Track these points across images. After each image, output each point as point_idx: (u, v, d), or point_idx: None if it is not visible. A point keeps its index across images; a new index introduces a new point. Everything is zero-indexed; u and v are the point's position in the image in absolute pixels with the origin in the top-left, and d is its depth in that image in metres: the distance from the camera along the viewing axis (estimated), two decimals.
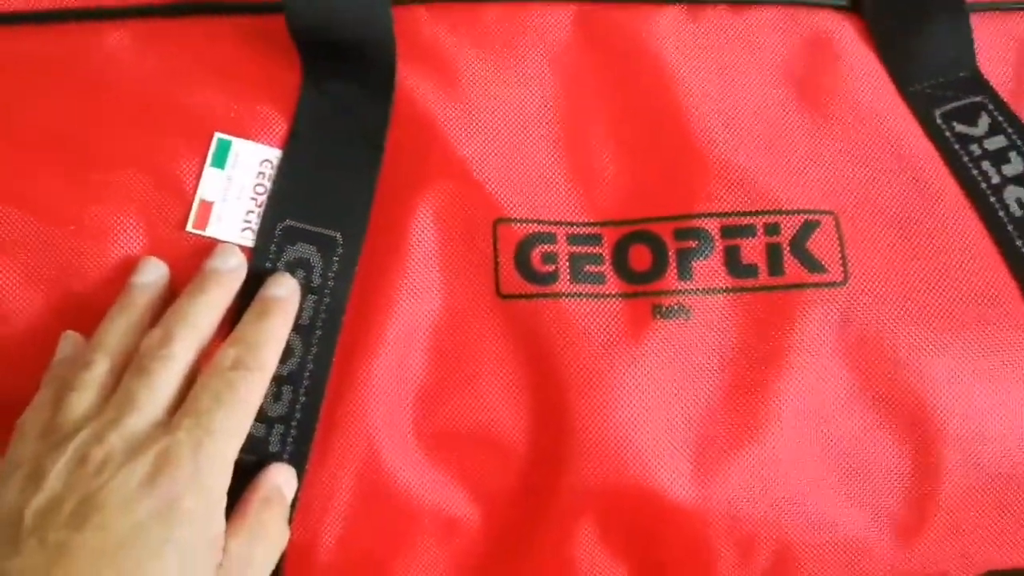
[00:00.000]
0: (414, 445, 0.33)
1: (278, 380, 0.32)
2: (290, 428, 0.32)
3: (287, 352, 0.32)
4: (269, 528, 0.30)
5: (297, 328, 0.33)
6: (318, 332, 0.33)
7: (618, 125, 0.37)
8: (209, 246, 0.33)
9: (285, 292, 0.33)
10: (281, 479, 0.32)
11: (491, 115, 0.36)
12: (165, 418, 0.29)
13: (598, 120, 0.37)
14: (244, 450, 0.30)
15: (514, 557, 0.33)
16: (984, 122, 0.39)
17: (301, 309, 0.33)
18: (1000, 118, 0.39)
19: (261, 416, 0.32)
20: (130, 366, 0.30)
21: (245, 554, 0.29)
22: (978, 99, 0.39)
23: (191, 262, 0.33)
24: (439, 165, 0.35)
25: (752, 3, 0.40)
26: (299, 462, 0.32)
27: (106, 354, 0.31)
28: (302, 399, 0.32)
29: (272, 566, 0.31)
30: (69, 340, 0.32)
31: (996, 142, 0.38)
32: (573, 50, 0.38)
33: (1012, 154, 0.38)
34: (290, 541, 0.31)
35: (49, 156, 0.34)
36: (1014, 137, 0.38)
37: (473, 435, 0.33)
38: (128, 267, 0.33)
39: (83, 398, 0.30)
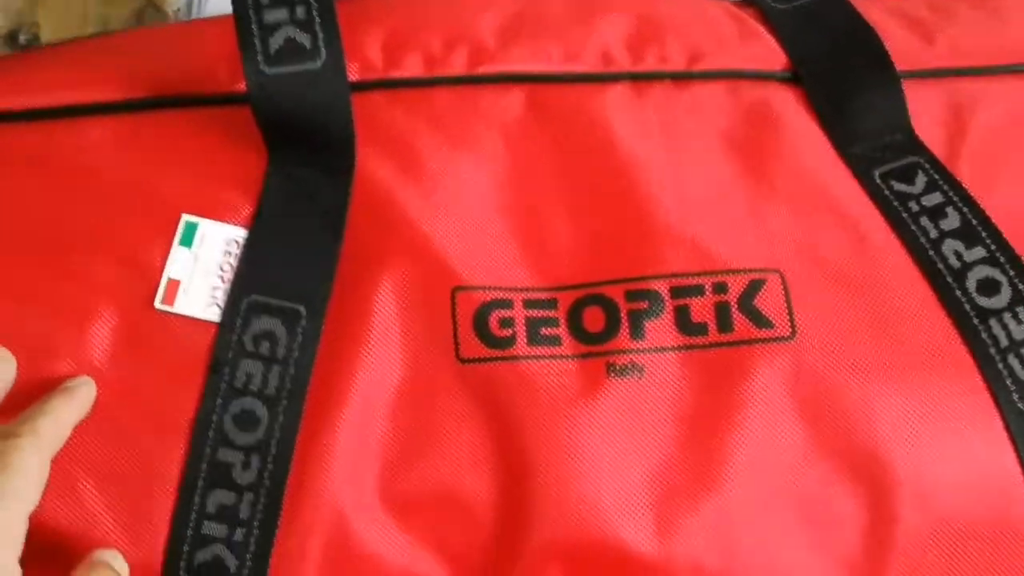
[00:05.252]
0: (380, 509, 0.34)
1: (246, 449, 0.33)
2: (260, 495, 0.33)
3: (254, 421, 0.34)
4: None
5: (264, 398, 0.34)
6: (284, 402, 0.34)
7: (570, 195, 0.39)
8: (177, 321, 0.35)
9: (74, 383, 0.33)
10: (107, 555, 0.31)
11: (447, 190, 0.38)
12: None
13: (551, 192, 0.39)
14: (216, 518, 0.31)
15: None
16: (921, 180, 0.40)
17: (267, 380, 0.34)
18: (936, 176, 0.40)
19: (232, 484, 0.33)
20: None
21: None
22: (914, 159, 0.41)
23: (159, 337, 0.34)
24: (398, 240, 0.37)
25: (696, 79, 0.42)
26: (269, 528, 0.33)
27: None
28: (270, 467, 0.33)
29: None
30: None
31: (933, 199, 0.40)
32: (525, 126, 0.40)
33: (948, 209, 0.40)
34: None
35: (25, 243, 0.36)
36: (950, 194, 0.40)
37: (438, 497, 0.34)
38: (99, 346, 0.34)
39: None
